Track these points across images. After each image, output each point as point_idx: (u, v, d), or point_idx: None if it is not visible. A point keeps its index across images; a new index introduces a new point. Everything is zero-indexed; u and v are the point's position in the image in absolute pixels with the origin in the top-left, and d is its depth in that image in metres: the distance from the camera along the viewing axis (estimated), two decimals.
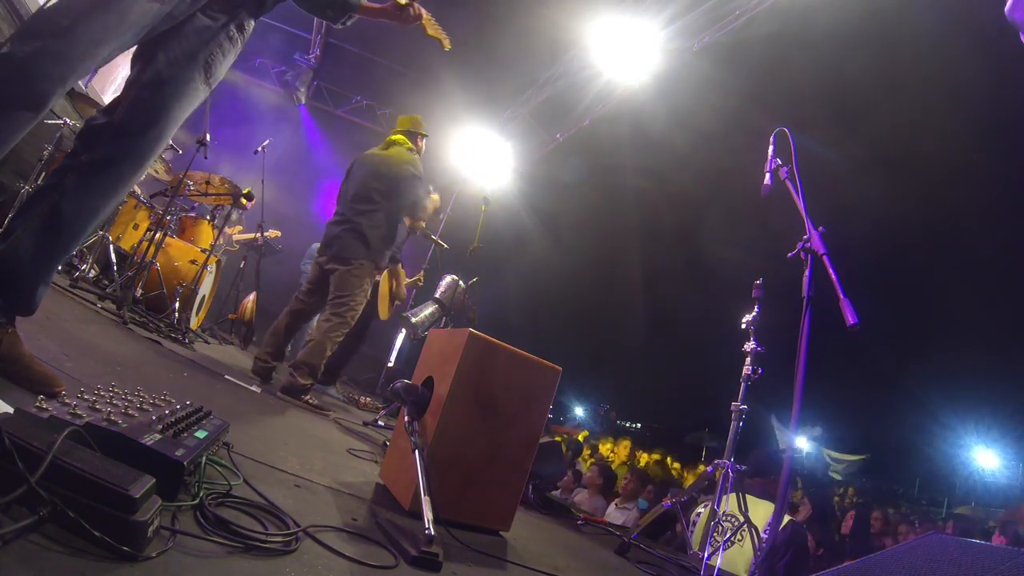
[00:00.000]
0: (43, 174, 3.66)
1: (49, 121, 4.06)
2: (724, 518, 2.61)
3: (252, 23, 1.72)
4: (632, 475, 5.36)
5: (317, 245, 4.14)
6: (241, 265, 6.61)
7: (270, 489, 1.30)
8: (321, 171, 9.54)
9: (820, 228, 2.23)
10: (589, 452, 7.36)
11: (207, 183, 4.90)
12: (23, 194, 3.74)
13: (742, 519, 2.55)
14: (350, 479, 1.86)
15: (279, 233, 6.91)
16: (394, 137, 3.89)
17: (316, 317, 4.11)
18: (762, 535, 2.71)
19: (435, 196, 3.95)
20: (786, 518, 3.23)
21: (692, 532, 3.03)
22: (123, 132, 1.47)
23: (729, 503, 2.63)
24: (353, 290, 3.50)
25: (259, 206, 5.97)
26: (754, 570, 2.43)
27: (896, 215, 9.18)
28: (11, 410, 0.97)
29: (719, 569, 2.40)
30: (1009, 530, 4.57)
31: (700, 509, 3.22)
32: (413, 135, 3.91)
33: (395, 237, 3.74)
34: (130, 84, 1.49)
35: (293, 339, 3.89)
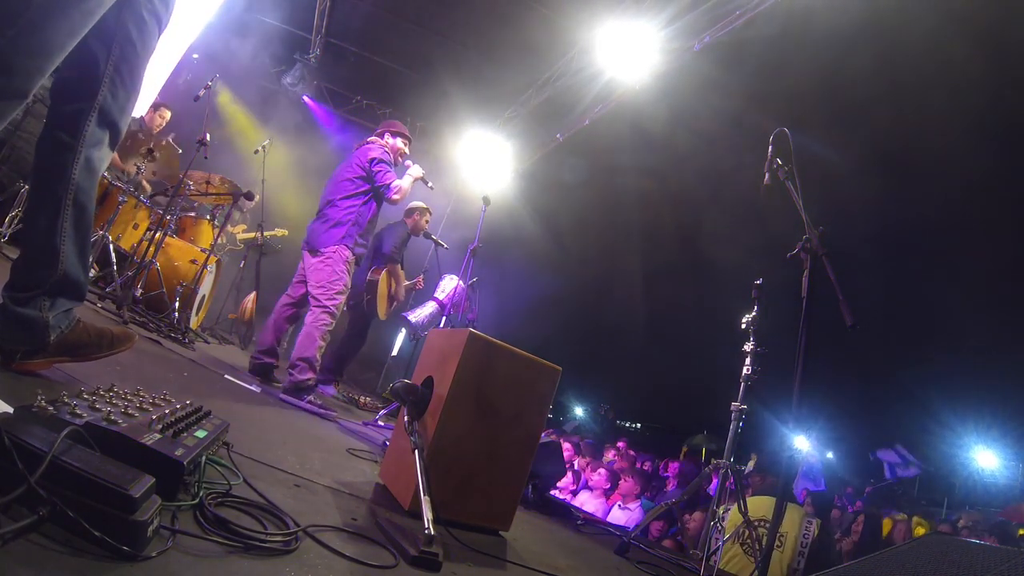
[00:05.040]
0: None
1: None
2: (757, 524, 2.60)
3: None
4: (633, 476, 5.36)
5: None
6: (241, 265, 6.62)
7: (270, 489, 1.30)
8: (320, 171, 9.53)
9: (819, 228, 2.23)
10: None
11: (207, 183, 4.90)
12: (23, 193, 3.74)
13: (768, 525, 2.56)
14: (350, 479, 1.86)
15: (286, 231, 6.91)
16: (368, 139, 4.01)
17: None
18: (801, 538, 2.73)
19: (415, 171, 3.93)
20: (817, 523, 3.26)
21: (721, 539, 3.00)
22: (110, 118, 1.46)
23: (743, 506, 2.62)
24: (328, 279, 3.53)
25: (259, 206, 5.99)
26: (798, 564, 2.43)
27: (896, 215, 9.18)
28: (11, 410, 0.97)
29: (719, 569, 2.40)
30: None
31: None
32: (383, 133, 4.04)
33: (365, 221, 3.76)
34: (102, 60, 1.43)
35: (287, 337, 3.91)
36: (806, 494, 5.64)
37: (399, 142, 4.02)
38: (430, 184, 4.07)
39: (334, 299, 3.51)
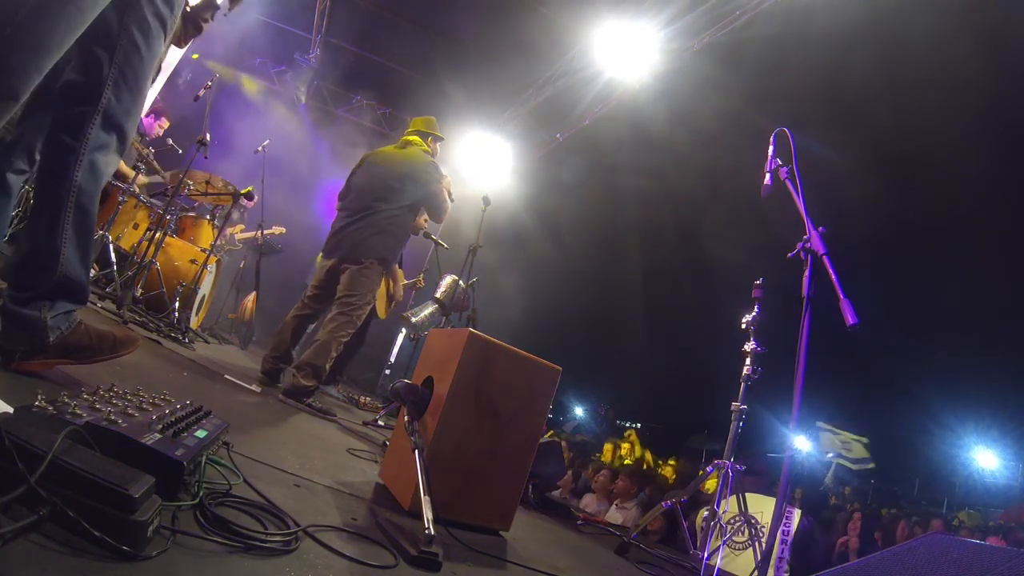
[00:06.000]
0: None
1: None
2: (746, 519, 2.61)
3: None
4: (630, 475, 5.36)
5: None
6: (241, 265, 6.62)
7: (270, 489, 1.30)
8: (320, 171, 9.55)
9: (820, 228, 2.23)
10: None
11: (207, 183, 4.90)
12: (23, 194, 3.74)
13: (758, 522, 2.57)
14: (350, 479, 1.86)
15: (284, 230, 6.91)
16: (410, 137, 3.83)
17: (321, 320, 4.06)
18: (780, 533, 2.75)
19: (448, 183, 3.88)
20: (798, 513, 3.28)
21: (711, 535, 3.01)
22: (115, 121, 1.46)
23: (742, 504, 2.64)
24: (363, 289, 3.43)
25: (259, 206, 5.99)
26: (783, 553, 2.45)
27: (896, 215, 9.19)
28: (11, 410, 0.97)
29: (719, 569, 2.40)
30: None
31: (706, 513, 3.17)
32: (426, 136, 3.86)
33: (404, 231, 3.67)
34: (105, 63, 1.43)
35: (299, 342, 3.82)
36: (799, 492, 5.66)
37: (438, 147, 3.92)
38: (453, 198, 4.02)
39: (360, 310, 3.43)
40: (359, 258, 3.46)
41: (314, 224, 8.70)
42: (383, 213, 3.52)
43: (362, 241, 3.47)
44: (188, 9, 1.83)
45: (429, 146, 3.83)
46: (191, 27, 1.89)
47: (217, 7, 1.95)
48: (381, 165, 3.69)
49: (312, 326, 3.87)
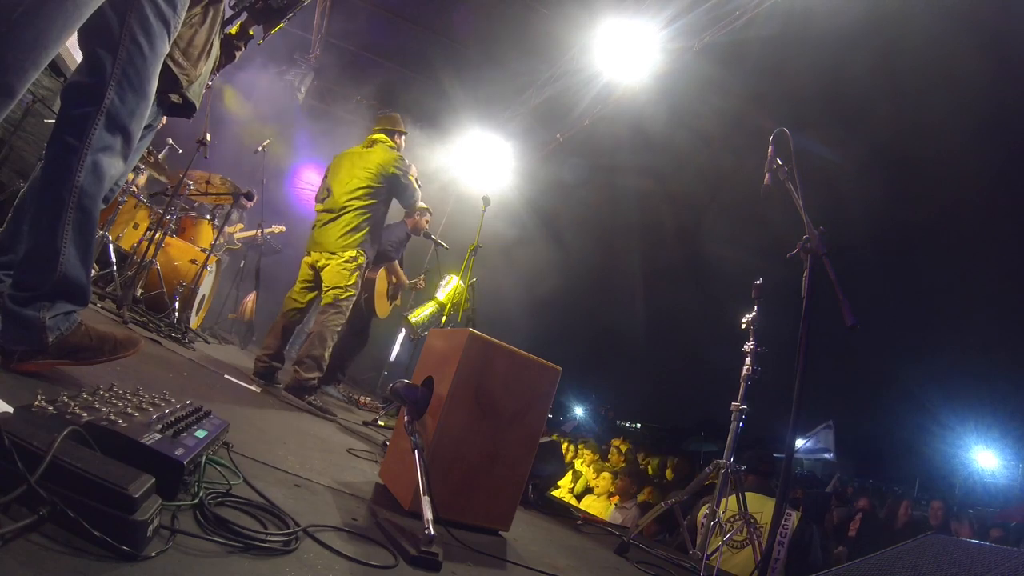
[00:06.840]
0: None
1: (50, 121, 4.07)
2: (744, 518, 2.61)
3: None
4: (627, 475, 5.36)
5: None
6: (241, 264, 6.61)
7: (270, 489, 1.30)
8: (320, 171, 9.53)
9: (820, 228, 2.23)
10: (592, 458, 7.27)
11: (207, 183, 4.90)
12: (23, 194, 3.74)
13: (755, 520, 2.58)
14: (350, 479, 1.86)
15: (283, 228, 6.91)
16: (375, 136, 3.97)
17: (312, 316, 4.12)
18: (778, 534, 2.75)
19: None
20: (796, 515, 3.28)
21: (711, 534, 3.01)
22: (119, 122, 1.46)
23: (742, 503, 2.64)
24: (345, 281, 3.57)
25: (259, 206, 5.98)
26: (778, 555, 2.44)
27: (896, 215, 9.19)
28: (11, 410, 0.97)
29: (719, 569, 2.40)
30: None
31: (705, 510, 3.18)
32: (392, 132, 4.01)
33: (379, 225, 3.83)
34: (108, 64, 1.43)
35: (291, 339, 3.88)
36: (801, 494, 5.68)
37: (402, 141, 4.05)
38: (420, 184, 4.12)
39: (347, 301, 3.58)
40: (338, 251, 3.62)
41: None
42: (358, 209, 3.69)
43: (340, 236, 3.64)
44: (223, 37, 1.84)
45: (395, 142, 3.99)
46: (225, 56, 1.90)
47: (251, 37, 1.96)
48: (351, 165, 3.85)
49: (300, 326, 3.94)
